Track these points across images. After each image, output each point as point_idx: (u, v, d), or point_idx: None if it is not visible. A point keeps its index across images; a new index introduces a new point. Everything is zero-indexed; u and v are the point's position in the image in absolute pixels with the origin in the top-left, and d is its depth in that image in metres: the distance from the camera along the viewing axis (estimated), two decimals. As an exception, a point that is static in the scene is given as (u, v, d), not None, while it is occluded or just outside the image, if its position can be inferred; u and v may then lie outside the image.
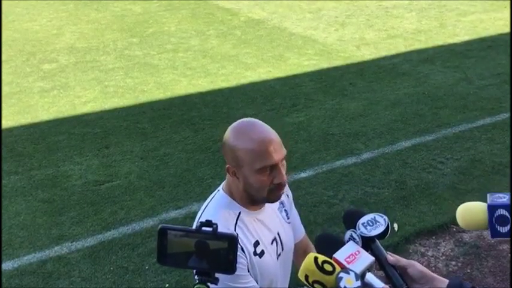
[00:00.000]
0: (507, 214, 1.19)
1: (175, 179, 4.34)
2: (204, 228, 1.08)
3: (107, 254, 3.53)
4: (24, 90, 6.35)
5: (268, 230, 1.65)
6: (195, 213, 1.68)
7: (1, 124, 5.36)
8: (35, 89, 6.35)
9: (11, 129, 5.33)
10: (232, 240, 1.07)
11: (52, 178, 4.45)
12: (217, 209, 1.59)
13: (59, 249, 3.60)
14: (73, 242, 3.66)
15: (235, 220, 1.57)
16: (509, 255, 3.40)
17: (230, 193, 1.61)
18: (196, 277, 1.10)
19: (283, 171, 1.52)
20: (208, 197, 1.68)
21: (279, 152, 1.50)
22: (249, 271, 1.54)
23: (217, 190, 1.66)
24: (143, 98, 6.01)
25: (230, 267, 1.08)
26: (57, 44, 8.00)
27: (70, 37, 8.33)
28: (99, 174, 4.47)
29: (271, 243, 1.65)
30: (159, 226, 1.10)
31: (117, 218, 3.89)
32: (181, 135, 5.08)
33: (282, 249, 1.69)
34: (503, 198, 1.22)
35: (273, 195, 1.55)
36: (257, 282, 1.59)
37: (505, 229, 1.19)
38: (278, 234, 1.68)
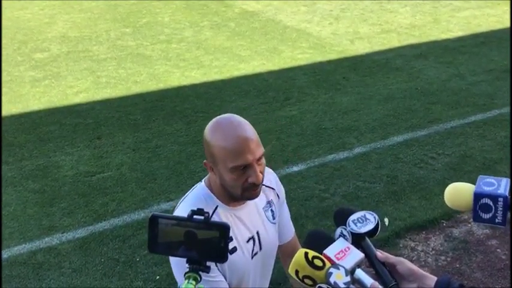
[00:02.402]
0: (491, 203, 1.20)
1: (167, 171, 4.33)
2: (195, 216, 1.07)
3: (97, 245, 3.52)
4: (15, 79, 6.29)
5: (246, 228, 1.62)
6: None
7: (1, 115, 5.32)
8: (26, 78, 6.30)
9: (1, 119, 5.28)
10: (223, 229, 1.07)
11: (43, 168, 4.43)
12: (195, 201, 1.58)
13: (50, 240, 3.59)
14: (64, 233, 3.65)
15: (210, 213, 1.56)
16: (498, 250, 3.44)
17: (210, 187, 1.60)
18: (187, 265, 1.09)
19: (258, 171, 1.48)
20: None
21: (254, 152, 1.47)
22: (217, 266, 1.54)
23: (199, 183, 1.66)
24: (136, 89, 5.98)
25: (221, 256, 1.08)
26: (49, 33, 7.93)
27: (62, 26, 8.26)
28: (91, 165, 4.45)
29: (247, 241, 1.62)
30: (151, 214, 1.09)
31: (109, 210, 3.88)
32: (173, 128, 5.07)
33: (260, 249, 1.66)
34: (493, 185, 1.22)
35: (248, 194, 1.52)
36: (226, 278, 1.58)
37: (487, 216, 1.21)
38: (257, 233, 1.65)
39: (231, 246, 1.55)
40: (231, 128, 1.48)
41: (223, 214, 1.57)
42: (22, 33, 7.94)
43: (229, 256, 1.53)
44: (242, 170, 1.47)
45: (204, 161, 1.54)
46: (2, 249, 3.48)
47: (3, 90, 5.96)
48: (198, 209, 1.08)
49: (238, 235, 1.60)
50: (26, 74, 6.42)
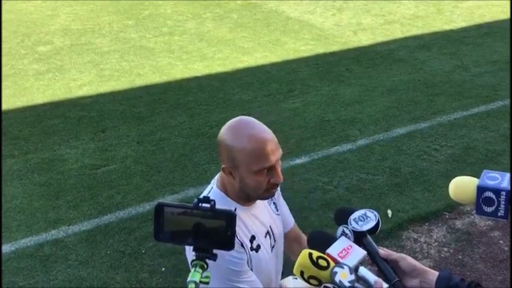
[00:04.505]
0: (493, 197, 1.22)
1: (172, 164, 4.36)
2: (202, 204, 1.07)
3: (103, 237, 3.57)
4: (19, 72, 6.31)
5: (262, 224, 1.67)
6: (191, 198, 1.70)
7: (1, 108, 5.35)
8: (30, 72, 6.32)
9: (6, 112, 5.31)
10: (230, 217, 1.07)
11: (48, 162, 4.46)
12: None
13: (56, 232, 3.63)
14: (70, 225, 3.69)
15: None
16: (501, 241, 3.46)
17: (224, 190, 1.61)
18: (193, 253, 1.09)
19: (279, 171, 1.52)
20: (203, 182, 1.71)
21: (276, 153, 1.49)
22: (248, 265, 1.57)
23: (210, 187, 1.65)
24: (139, 82, 5.99)
25: (228, 244, 1.07)
26: (52, 26, 7.93)
27: (65, 19, 8.25)
28: (95, 158, 4.48)
29: (265, 236, 1.67)
30: (157, 202, 1.09)
31: (114, 202, 3.92)
32: (177, 120, 5.09)
33: (275, 241, 1.72)
34: (496, 179, 1.24)
35: (267, 193, 1.57)
36: None
37: (489, 209, 1.23)
38: (270, 227, 1.70)
39: (255, 244, 1.59)
40: (252, 132, 1.48)
41: (242, 215, 1.59)
42: (25, 26, 7.94)
43: (257, 254, 1.58)
44: (265, 172, 1.49)
45: (223, 166, 1.52)
46: (2, 243, 3.52)
47: (7, 83, 5.98)
48: (204, 196, 1.08)
49: (258, 232, 1.63)
50: (30, 67, 6.44)
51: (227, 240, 1.07)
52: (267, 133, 1.50)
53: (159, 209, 1.08)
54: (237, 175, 1.51)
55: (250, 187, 1.52)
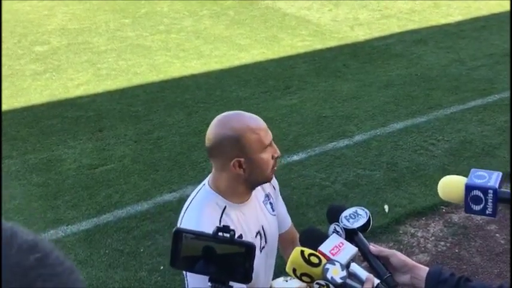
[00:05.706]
0: (481, 195, 1.24)
1: (169, 163, 4.37)
2: (220, 233, 1.05)
3: (102, 237, 3.58)
4: (16, 73, 6.31)
5: (253, 223, 1.67)
6: (190, 196, 1.71)
7: (1, 107, 5.35)
8: (27, 72, 6.32)
9: (4, 113, 5.31)
10: (249, 249, 1.04)
11: (46, 162, 4.47)
12: (202, 204, 1.60)
13: (55, 232, 3.64)
14: (68, 225, 3.71)
15: (220, 214, 1.59)
16: (497, 235, 3.48)
17: (216, 188, 1.62)
18: (209, 284, 1.08)
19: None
20: (201, 180, 1.71)
21: (268, 129, 1.63)
22: None
23: (202, 184, 1.67)
24: (136, 81, 6.00)
25: (246, 277, 1.05)
26: (49, 26, 7.92)
27: (62, 18, 8.24)
28: (93, 158, 4.49)
29: (255, 236, 1.67)
30: (174, 229, 1.07)
31: (112, 202, 3.93)
32: (174, 118, 5.10)
33: (266, 242, 1.71)
34: (484, 178, 1.26)
35: (272, 172, 1.64)
36: None
37: (477, 207, 1.25)
38: (262, 227, 1.70)
39: None
40: (246, 117, 1.61)
41: (232, 212, 1.60)
42: (22, 26, 7.93)
43: None
44: (270, 146, 1.60)
45: (233, 161, 1.55)
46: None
47: (5, 84, 5.98)
48: (224, 226, 1.06)
49: (248, 232, 1.63)
50: (27, 68, 6.44)
51: (245, 272, 1.05)
52: (254, 116, 1.64)
53: (178, 235, 1.06)
54: (247, 163, 1.56)
55: (261, 168, 1.58)
